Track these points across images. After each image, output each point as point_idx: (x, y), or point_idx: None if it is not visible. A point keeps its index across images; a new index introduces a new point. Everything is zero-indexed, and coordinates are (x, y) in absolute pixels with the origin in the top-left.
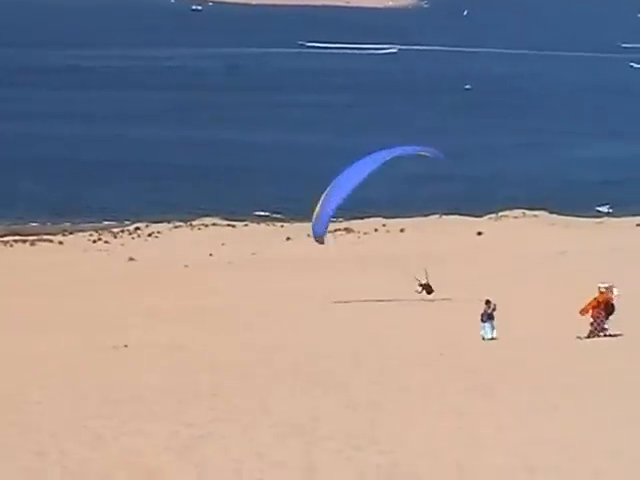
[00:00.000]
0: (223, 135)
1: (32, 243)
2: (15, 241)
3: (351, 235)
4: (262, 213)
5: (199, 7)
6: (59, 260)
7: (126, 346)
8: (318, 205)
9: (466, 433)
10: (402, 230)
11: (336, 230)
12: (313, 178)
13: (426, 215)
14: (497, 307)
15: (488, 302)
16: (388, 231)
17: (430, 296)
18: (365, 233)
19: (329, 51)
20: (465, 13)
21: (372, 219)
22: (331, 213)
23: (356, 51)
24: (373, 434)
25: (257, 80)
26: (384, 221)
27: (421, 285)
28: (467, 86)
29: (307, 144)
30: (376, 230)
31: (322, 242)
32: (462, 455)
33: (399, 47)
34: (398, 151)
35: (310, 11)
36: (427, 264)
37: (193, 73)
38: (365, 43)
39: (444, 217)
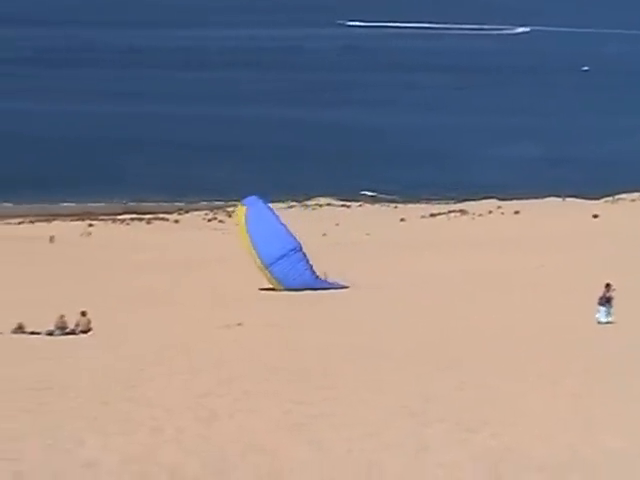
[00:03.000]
0: (337, 116)
1: (148, 221)
2: (132, 219)
3: (466, 217)
4: (373, 194)
5: None
6: (175, 238)
7: (240, 325)
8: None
9: (581, 417)
10: (517, 212)
11: (450, 212)
12: (429, 159)
13: (541, 197)
14: (614, 291)
15: (608, 285)
16: (503, 213)
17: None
18: (480, 215)
19: (451, 32)
20: None
21: (487, 201)
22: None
23: (479, 32)
24: (485, 416)
25: (373, 60)
26: (499, 203)
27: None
28: (584, 68)
29: (423, 125)
30: (490, 212)
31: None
32: (576, 439)
33: (524, 28)
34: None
35: None
36: (542, 246)
37: (309, 53)
38: (488, 24)
39: (558, 199)
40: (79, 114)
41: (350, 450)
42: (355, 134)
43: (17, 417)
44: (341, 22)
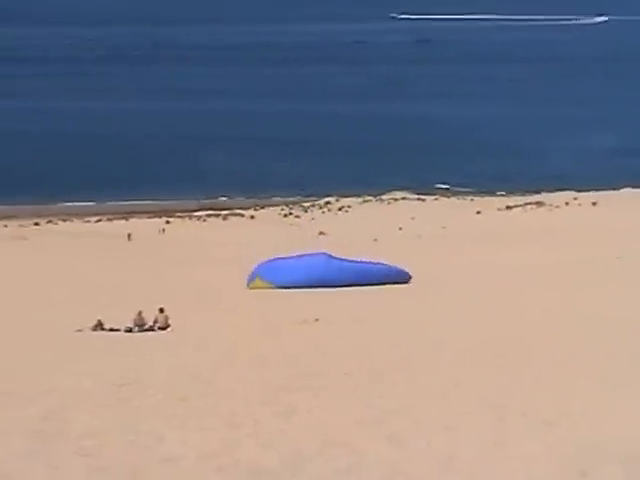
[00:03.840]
0: (411, 109)
1: (224, 217)
2: (208, 215)
3: (542, 209)
4: (448, 187)
5: None
6: (251, 234)
7: (317, 320)
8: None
9: None
10: (594, 203)
11: (526, 204)
12: (504, 151)
13: (618, 188)
14: None
15: None
16: (580, 204)
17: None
18: (556, 206)
19: (529, 23)
20: None
21: (563, 192)
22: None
23: (556, 22)
24: (565, 409)
25: (445, 52)
26: (576, 194)
27: None
28: None
29: (498, 116)
30: (567, 204)
31: None
32: None
33: (602, 18)
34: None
35: None
36: (620, 237)
37: (376, 47)
38: (566, 14)
39: (635, 190)
40: (157, 112)
41: (429, 444)
42: (430, 127)
43: (97, 412)
44: (394, 15)
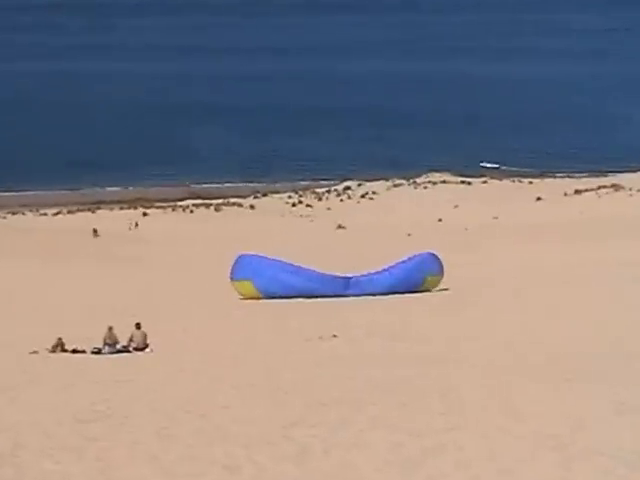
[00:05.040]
0: (452, 68)
1: (217, 208)
2: (196, 205)
3: (620, 193)
4: (496, 165)
5: None
6: (250, 228)
7: (335, 336)
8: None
9: None
10: None
11: (600, 187)
12: (570, 121)
13: None
14: None
15: None
16: None
17: None
18: (638, 190)
19: None
20: None
21: None
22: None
23: None
24: None
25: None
26: None
27: None
28: None
29: (564, 76)
30: None
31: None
32: None
33: None
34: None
35: None
36: None
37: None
38: None
39: None
40: (133, 74)
41: None
42: (475, 91)
43: (59, 456)
44: None
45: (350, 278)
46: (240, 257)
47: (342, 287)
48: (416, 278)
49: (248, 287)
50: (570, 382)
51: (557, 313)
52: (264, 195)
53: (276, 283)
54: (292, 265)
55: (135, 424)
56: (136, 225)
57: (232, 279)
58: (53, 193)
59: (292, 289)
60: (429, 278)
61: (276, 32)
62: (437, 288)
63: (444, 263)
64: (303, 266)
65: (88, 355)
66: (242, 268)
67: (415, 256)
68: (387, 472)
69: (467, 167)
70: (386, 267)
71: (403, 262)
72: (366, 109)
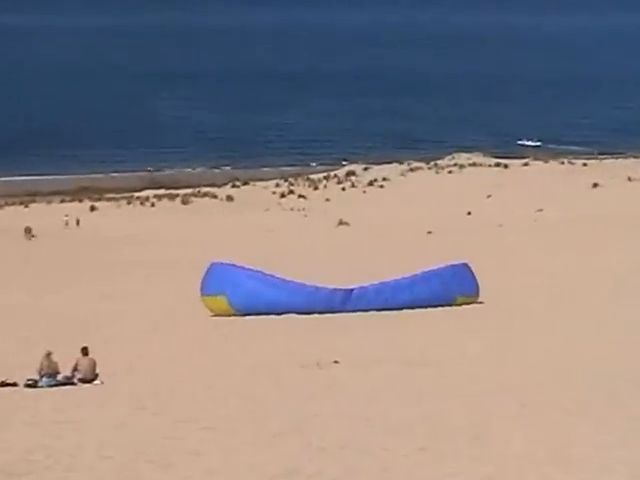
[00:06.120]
0: (476, 24)
1: (184, 200)
2: (158, 197)
3: None
4: (538, 144)
5: None
6: (227, 225)
7: (337, 362)
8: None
9: None
10: None
11: None
12: (629, 89)
13: None
14: None
15: None
16: None
17: None
18: None
19: None
20: None
21: None
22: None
23: None
24: None
25: None
26: None
27: None
28: None
29: (611, 33)
30: None
31: None
32: None
33: None
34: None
35: None
36: None
37: None
38: None
39: None
40: (79, 30)
41: None
42: (509, 47)
43: None
44: None
45: (352, 290)
46: (212, 266)
47: (340, 302)
48: (442, 298)
49: (221, 303)
50: (635, 421)
51: (619, 335)
52: (244, 183)
53: (256, 299)
54: (276, 277)
55: (81, 477)
56: (77, 223)
57: (202, 293)
58: None
59: (276, 306)
60: (459, 299)
61: None
62: None
63: (473, 269)
64: (291, 278)
65: (21, 388)
66: (214, 280)
67: (442, 269)
68: None
69: (502, 146)
70: (400, 278)
71: (426, 276)
72: (373, 72)
